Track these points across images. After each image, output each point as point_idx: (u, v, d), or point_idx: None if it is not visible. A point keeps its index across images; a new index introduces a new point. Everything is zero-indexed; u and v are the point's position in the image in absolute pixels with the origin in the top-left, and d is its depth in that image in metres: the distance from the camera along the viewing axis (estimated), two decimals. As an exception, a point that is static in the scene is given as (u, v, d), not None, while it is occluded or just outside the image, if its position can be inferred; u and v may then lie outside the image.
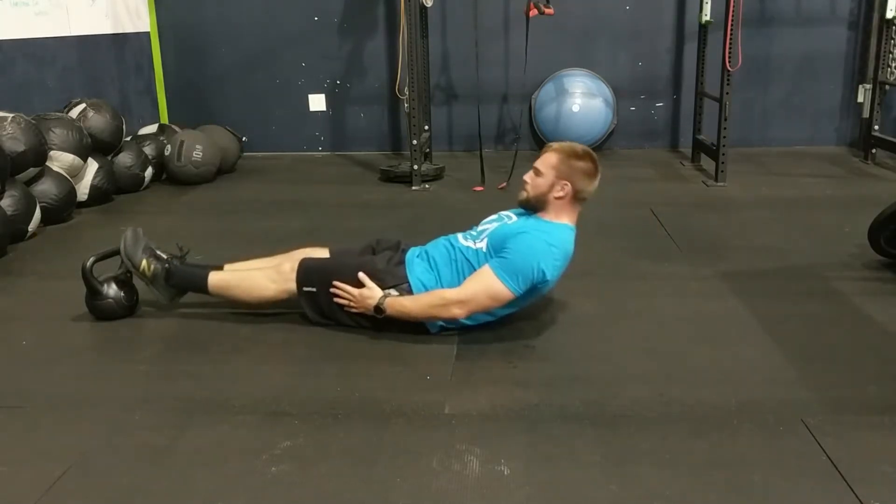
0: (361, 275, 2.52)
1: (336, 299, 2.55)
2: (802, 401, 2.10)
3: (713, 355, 2.41)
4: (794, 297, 2.88)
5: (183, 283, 2.72)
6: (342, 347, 2.52)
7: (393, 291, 2.50)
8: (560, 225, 2.51)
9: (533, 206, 2.55)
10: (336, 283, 2.53)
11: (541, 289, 2.48)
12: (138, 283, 2.80)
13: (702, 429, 1.97)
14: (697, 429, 1.97)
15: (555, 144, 2.59)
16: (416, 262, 2.59)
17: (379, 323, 2.53)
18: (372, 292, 2.49)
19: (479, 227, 2.65)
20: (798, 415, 2.02)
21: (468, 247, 2.56)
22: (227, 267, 2.77)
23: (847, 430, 1.94)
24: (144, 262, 2.68)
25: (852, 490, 1.70)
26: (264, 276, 2.65)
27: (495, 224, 2.60)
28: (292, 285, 2.59)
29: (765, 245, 3.50)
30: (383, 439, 1.95)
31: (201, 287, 2.69)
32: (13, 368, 2.43)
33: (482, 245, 2.53)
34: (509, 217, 2.62)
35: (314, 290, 2.57)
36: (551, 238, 2.45)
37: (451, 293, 2.44)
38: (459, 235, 2.64)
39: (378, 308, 2.48)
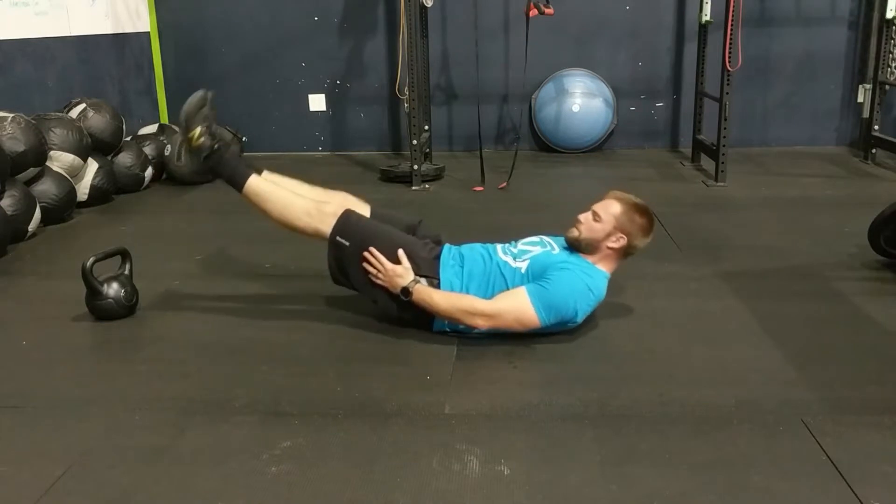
0: (401, 252, 2.50)
1: (365, 264, 2.52)
2: (802, 401, 2.10)
3: (713, 355, 2.41)
4: (794, 297, 2.88)
5: (221, 169, 2.62)
6: (342, 347, 2.52)
7: (423, 280, 2.49)
8: (600, 271, 2.51)
9: (581, 248, 2.52)
10: (373, 249, 2.51)
11: (566, 326, 2.47)
12: (138, 282, 2.80)
13: (702, 429, 1.97)
14: (697, 429, 1.97)
15: (618, 193, 2.57)
16: (449, 265, 2.57)
17: (398, 301, 2.50)
18: (405, 273, 2.48)
19: (521, 246, 2.60)
20: (798, 415, 2.02)
21: (506, 262, 2.54)
22: (265, 174, 2.68)
23: (847, 430, 1.94)
24: (198, 130, 2.56)
25: (852, 490, 1.70)
26: (303, 206, 2.60)
27: (539, 249, 2.56)
28: (326, 229, 2.56)
29: (765, 245, 3.50)
30: (383, 439, 1.95)
31: (238, 183, 2.60)
32: (13, 368, 2.43)
33: (522, 266, 2.50)
34: (552, 246, 2.59)
35: (347, 243, 2.54)
36: (592, 282, 2.44)
37: (482, 304, 2.42)
38: (498, 247, 2.62)
39: (406, 290, 2.46)
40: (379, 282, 2.51)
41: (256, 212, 2.65)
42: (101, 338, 2.65)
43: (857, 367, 2.30)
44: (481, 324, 2.42)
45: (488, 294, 2.48)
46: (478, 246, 2.64)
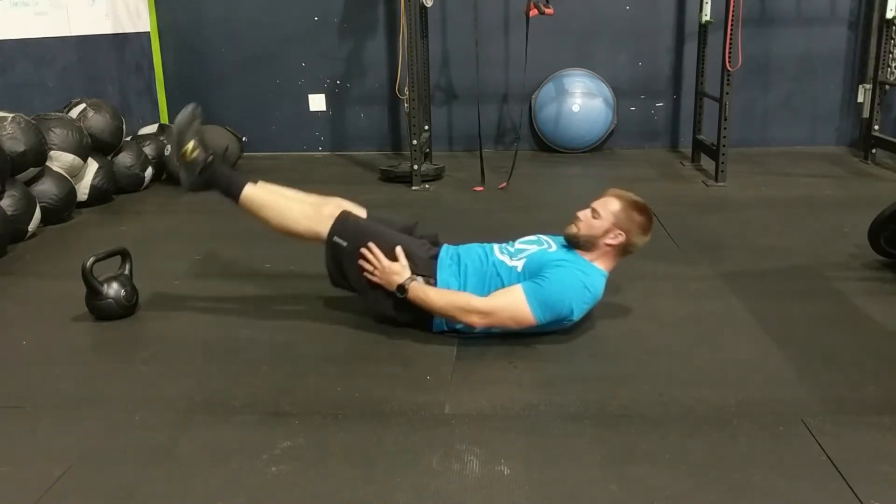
0: (399, 249, 2.51)
1: (361, 261, 2.53)
2: (802, 401, 2.10)
3: (713, 355, 2.41)
4: (794, 297, 2.88)
5: (217, 181, 2.64)
6: (342, 347, 2.52)
7: (420, 279, 2.49)
8: (598, 269, 2.51)
9: (579, 245, 2.52)
10: (371, 245, 2.51)
11: (561, 324, 2.47)
12: (138, 282, 2.80)
13: (702, 429, 1.97)
14: (697, 429, 1.97)
15: (617, 190, 2.57)
16: (446, 264, 2.57)
17: (395, 301, 2.50)
18: (402, 270, 2.48)
19: (518, 245, 2.61)
20: (798, 415, 2.02)
21: (502, 261, 2.54)
22: (260, 184, 2.69)
23: (847, 430, 1.94)
24: (190, 145, 2.59)
25: (852, 490, 1.70)
26: (300, 209, 2.62)
27: (535, 248, 2.57)
28: (323, 230, 2.57)
29: (765, 245, 3.50)
30: (383, 439, 1.95)
31: (234, 193, 2.62)
32: (13, 368, 2.43)
33: (518, 264, 2.51)
34: (549, 244, 2.59)
35: (344, 244, 2.55)
36: (588, 280, 2.44)
37: (477, 301, 2.42)
38: (495, 247, 2.62)
39: (401, 287, 2.46)
40: (375, 279, 2.52)
41: (255, 220, 2.66)
42: (101, 338, 2.65)
43: (857, 367, 2.30)
44: (477, 321, 2.42)
45: (485, 293, 2.48)
46: (475, 246, 2.65)
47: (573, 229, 2.53)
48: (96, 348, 2.61)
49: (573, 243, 2.54)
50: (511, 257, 2.55)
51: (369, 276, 2.53)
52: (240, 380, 2.29)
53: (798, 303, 2.81)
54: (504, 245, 2.63)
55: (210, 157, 2.61)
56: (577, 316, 2.44)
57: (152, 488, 1.77)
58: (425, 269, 2.53)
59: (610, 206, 2.51)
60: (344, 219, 2.60)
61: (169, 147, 4.96)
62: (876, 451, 1.85)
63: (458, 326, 2.48)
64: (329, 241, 2.58)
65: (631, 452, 1.87)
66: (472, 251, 2.61)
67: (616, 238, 2.49)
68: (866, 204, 3.66)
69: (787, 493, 1.71)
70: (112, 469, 1.85)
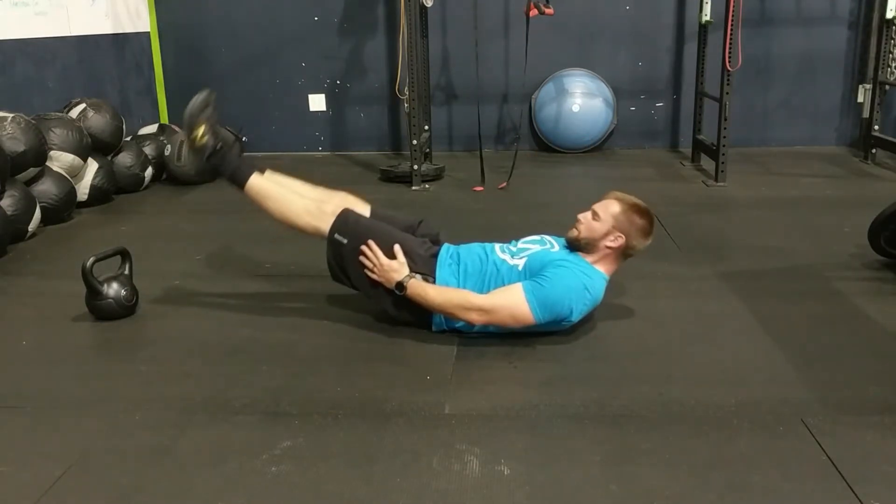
0: (397, 247, 2.51)
1: (361, 258, 2.53)
2: (802, 401, 2.10)
3: (713, 355, 2.41)
4: (794, 297, 2.88)
5: (224, 168, 2.66)
6: (342, 347, 2.52)
7: (418, 276, 2.50)
8: (599, 272, 2.50)
9: (580, 247, 2.52)
10: (370, 242, 2.52)
11: (560, 325, 2.47)
12: (138, 282, 2.80)
13: (702, 429, 1.97)
14: (697, 429, 1.97)
15: (618, 193, 2.57)
16: (446, 263, 2.57)
17: (394, 299, 2.51)
18: (400, 267, 2.49)
19: (520, 245, 2.62)
20: (798, 415, 2.02)
21: (503, 260, 2.54)
22: (267, 174, 2.71)
23: (847, 430, 1.94)
24: (201, 130, 2.61)
25: (852, 490, 1.70)
26: (303, 205, 2.64)
27: (537, 247, 2.57)
28: (325, 226, 2.59)
29: (765, 245, 3.50)
30: (383, 439, 1.95)
31: (240, 181, 2.64)
32: (13, 368, 2.43)
33: (519, 263, 2.51)
34: (552, 244, 2.60)
35: (344, 241, 2.56)
36: (589, 282, 2.44)
37: (476, 298, 2.43)
38: (497, 246, 2.62)
39: (400, 284, 2.47)
40: (374, 276, 2.52)
41: (257, 208, 2.67)
42: (101, 338, 2.65)
43: (857, 367, 2.30)
44: (476, 319, 2.42)
45: (484, 292, 2.48)
46: (476, 246, 2.65)
47: (574, 232, 2.53)
48: (96, 348, 2.61)
49: (574, 246, 2.54)
50: (513, 256, 2.55)
51: (369, 274, 2.53)
52: (240, 380, 2.29)
53: (798, 303, 2.81)
54: (506, 245, 2.63)
55: (220, 145, 2.63)
56: (576, 317, 2.44)
57: (152, 488, 1.77)
58: (424, 267, 2.54)
59: (610, 208, 2.51)
60: (345, 216, 2.60)
61: (169, 147, 4.96)
62: (876, 451, 1.85)
63: (458, 325, 2.48)
64: (330, 238, 2.59)
65: (631, 452, 1.87)
66: (472, 251, 2.62)
67: (616, 240, 2.49)
68: (866, 204, 3.66)
69: (787, 493, 1.71)
70: (112, 469, 1.85)
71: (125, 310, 2.73)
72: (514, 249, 2.59)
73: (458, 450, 1.89)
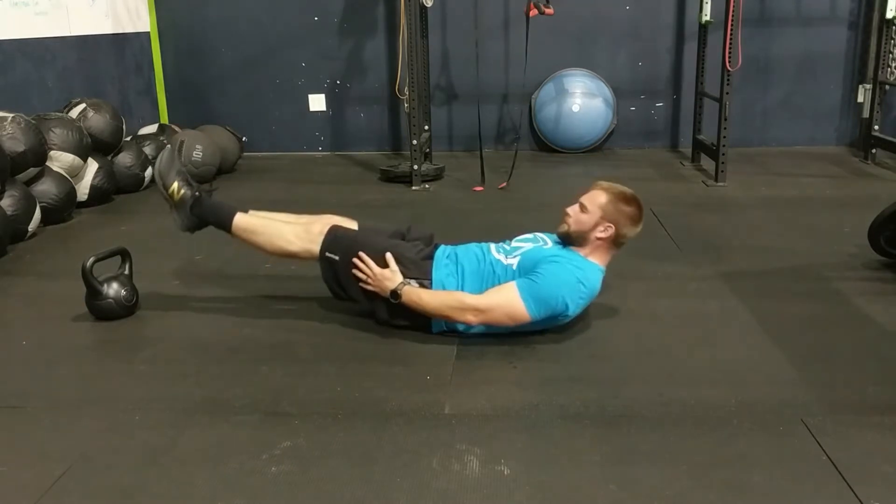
0: (388, 256, 2.51)
1: (354, 271, 2.53)
2: (802, 401, 2.10)
3: (713, 355, 2.41)
4: (794, 297, 2.88)
5: (208, 215, 2.71)
6: (342, 347, 2.52)
7: (413, 282, 2.50)
8: (593, 264, 2.50)
9: (572, 241, 2.53)
10: (361, 254, 2.52)
11: (558, 320, 2.47)
12: (138, 282, 2.80)
13: (702, 429, 1.97)
14: (697, 429, 1.97)
15: (604, 184, 2.57)
16: (443, 264, 2.57)
17: (389, 308, 2.51)
18: (393, 275, 2.49)
19: (514, 244, 2.62)
20: (798, 415, 2.02)
21: (499, 260, 2.55)
22: (251, 213, 2.74)
23: (847, 430, 1.94)
24: (175, 185, 2.68)
25: (852, 490, 1.70)
26: (291, 230, 2.65)
27: (530, 245, 2.58)
28: (316, 247, 2.59)
29: (765, 245, 3.50)
30: (383, 439, 1.95)
31: (225, 224, 2.67)
32: (13, 368, 2.43)
33: (513, 262, 2.51)
34: (545, 241, 2.60)
35: (336, 258, 2.56)
36: (582, 275, 2.44)
37: (470, 299, 2.43)
38: (492, 246, 2.63)
39: (394, 293, 2.47)
40: (369, 287, 2.53)
41: (250, 247, 2.70)
42: (101, 338, 2.65)
43: (857, 367, 2.30)
44: (472, 319, 2.42)
45: (482, 292, 2.48)
46: (473, 246, 2.65)
47: (564, 227, 2.54)
48: (96, 348, 2.61)
49: (566, 240, 2.54)
50: (507, 255, 2.56)
51: (364, 286, 2.53)
52: (240, 380, 2.29)
53: (798, 303, 2.81)
54: (500, 244, 2.64)
55: (197, 193, 2.70)
56: (573, 311, 2.44)
57: (152, 488, 1.77)
58: (417, 271, 2.54)
59: (597, 199, 2.50)
60: (333, 233, 2.61)
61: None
62: (876, 451, 1.85)
63: (458, 327, 2.48)
64: (322, 257, 2.59)
65: (631, 452, 1.87)
66: (469, 251, 2.62)
67: (606, 231, 2.48)
68: (866, 204, 3.67)
69: (787, 493, 1.71)
70: (112, 469, 1.85)
71: (125, 310, 2.74)
72: (508, 249, 2.60)
73: (458, 450, 1.89)
